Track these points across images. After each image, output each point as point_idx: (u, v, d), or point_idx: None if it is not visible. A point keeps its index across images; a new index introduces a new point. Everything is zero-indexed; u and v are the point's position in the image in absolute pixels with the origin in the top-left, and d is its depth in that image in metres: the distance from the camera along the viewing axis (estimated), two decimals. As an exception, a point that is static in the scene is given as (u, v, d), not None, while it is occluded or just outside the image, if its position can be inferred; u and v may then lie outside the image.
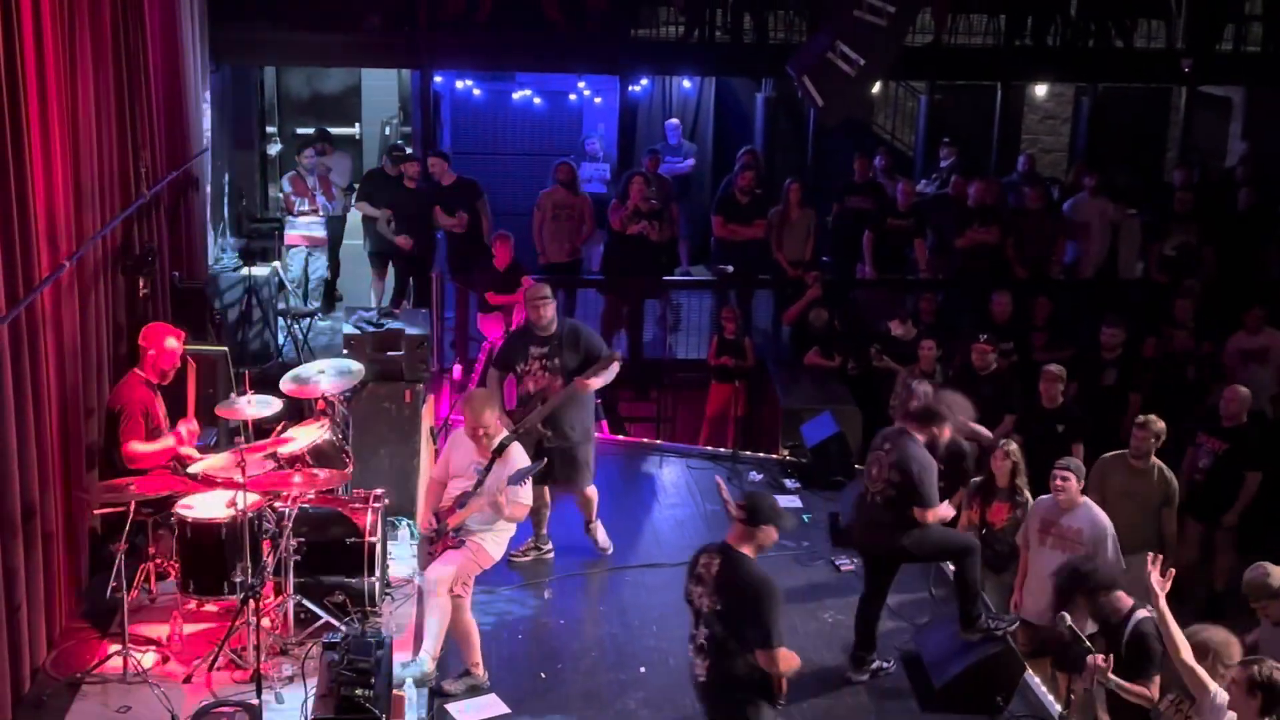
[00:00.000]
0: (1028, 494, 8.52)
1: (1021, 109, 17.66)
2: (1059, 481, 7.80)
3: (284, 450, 7.78)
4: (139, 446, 7.66)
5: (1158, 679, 6.43)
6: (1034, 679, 7.74)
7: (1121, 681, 6.48)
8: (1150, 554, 6.17)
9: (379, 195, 12.89)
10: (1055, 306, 12.11)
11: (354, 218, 14.10)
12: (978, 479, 8.90)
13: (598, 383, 8.78)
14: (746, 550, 5.88)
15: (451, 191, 12.80)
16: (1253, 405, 10.02)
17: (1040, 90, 16.77)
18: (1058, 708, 7.44)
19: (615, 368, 8.84)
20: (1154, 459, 8.64)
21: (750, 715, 5.88)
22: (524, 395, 8.80)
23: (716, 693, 5.95)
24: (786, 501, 10.18)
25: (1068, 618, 7.01)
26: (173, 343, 7.93)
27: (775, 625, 5.74)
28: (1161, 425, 8.60)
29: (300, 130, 16.54)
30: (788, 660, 5.83)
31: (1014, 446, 8.64)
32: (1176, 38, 14.84)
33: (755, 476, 10.62)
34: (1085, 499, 7.83)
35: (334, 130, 15.55)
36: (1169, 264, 13.12)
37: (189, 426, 7.97)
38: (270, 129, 16.85)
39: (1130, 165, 15.55)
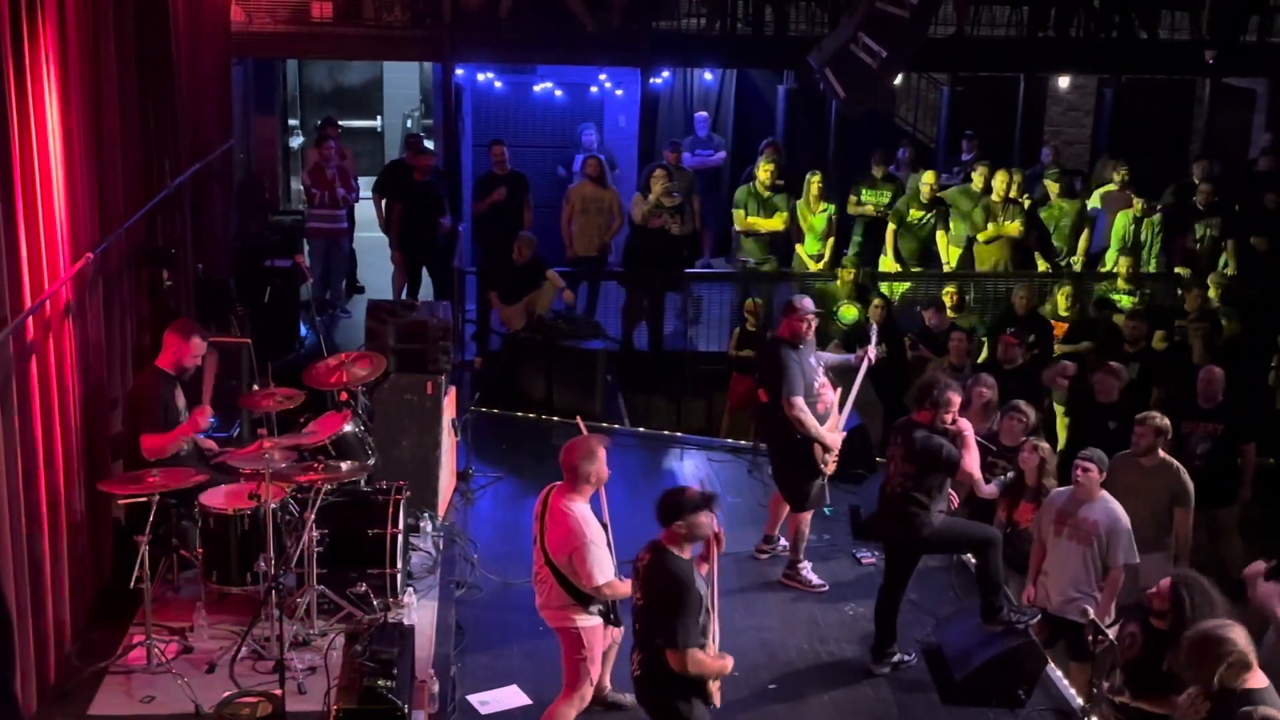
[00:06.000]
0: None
1: (1044, 101, 17.59)
2: (1079, 472, 7.64)
3: (307, 441, 7.81)
4: (154, 438, 7.66)
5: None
6: (1055, 672, 7.71)
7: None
8: None
9: (394, 186, 12.97)
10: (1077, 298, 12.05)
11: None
12: (1007, 476, 8.62)
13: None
14: (674, 548, 5.86)
15: (505, 181, 13.01)
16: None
17: (1063, 82, 16.70)
18: (1079, 701, 7.42)
19: None
20: (1165, 456, 8.38)
21: (682, 711, 5.84)
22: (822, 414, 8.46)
23: (647, 687, 5.95)
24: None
25: (1090, 611, 7.00)
26: (195, 339, 7.92)
27: (681, 626, 5.68)
28: (1160, 421, 8.34)
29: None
30: (699, 663, 5.74)
31: (1044, 444, 8.47)
32: (1200, 29, 14.76)
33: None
34: (1104, 492, 7.75)
35: (356, 123, 15.58)
36: (1191, 257, 13.04)
37: (203, 413, 7.91)
38: (292, 121, 16.90)
39: (1153, 157, 15.45)
